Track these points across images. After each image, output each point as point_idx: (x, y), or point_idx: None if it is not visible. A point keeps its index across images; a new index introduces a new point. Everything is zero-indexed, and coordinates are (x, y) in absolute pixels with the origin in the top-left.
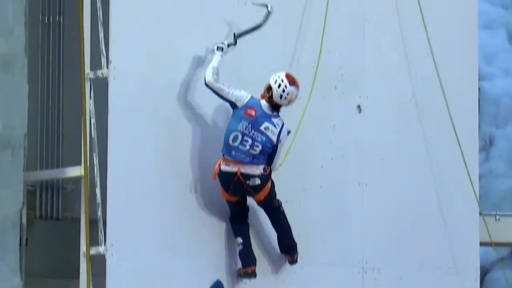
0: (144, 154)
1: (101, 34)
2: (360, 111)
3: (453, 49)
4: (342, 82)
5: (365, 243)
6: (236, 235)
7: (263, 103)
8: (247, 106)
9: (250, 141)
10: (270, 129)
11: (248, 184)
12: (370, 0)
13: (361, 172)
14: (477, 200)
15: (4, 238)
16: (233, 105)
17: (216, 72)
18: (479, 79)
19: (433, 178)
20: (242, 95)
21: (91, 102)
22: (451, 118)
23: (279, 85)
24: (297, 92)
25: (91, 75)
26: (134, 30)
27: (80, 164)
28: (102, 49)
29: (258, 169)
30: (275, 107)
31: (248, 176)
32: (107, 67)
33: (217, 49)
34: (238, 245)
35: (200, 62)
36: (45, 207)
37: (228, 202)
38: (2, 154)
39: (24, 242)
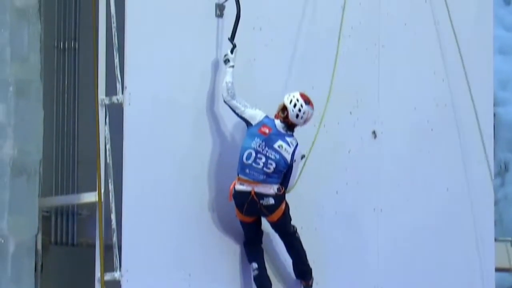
0: (159, 179)
1: (116, 60)
2: (375, 136)
3: (468, 74)
4: (357, 108)
5: (381, 269)
6: (250, 260)
7: (278, 122)
8: (261, 124)
9: (263, 158)
10: (284, 147)
11: (262, 204)
12: (385, 26)
13: (376, 198)
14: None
15: (19, 264)
16: (248, 123)
17: (230, 87)
18: (494, 105)
19: (448, 204)
20: (256, 114)
21: (106, 128)
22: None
23: (295, 105)
24: (312, 111)
25: (106, 101)
26: (149, 56)
27: (95, 189)
28: (117, 75)
29: (272, 189)
30: (290, 127)
31: (262, 196)
32: (122, 93)
33: (225, 63)
34: (253, 270)
35: (215, 86)
36: (60, 232)
37: (243, 224)
38: (17, 180)
39: (39, 267)
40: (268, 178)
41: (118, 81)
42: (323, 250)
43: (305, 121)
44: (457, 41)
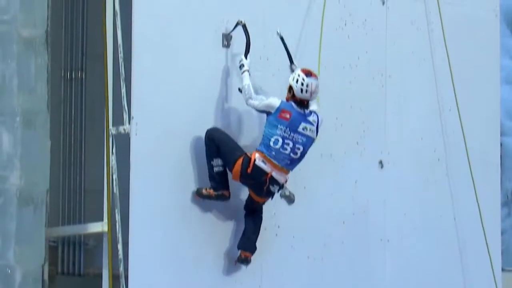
0: (166, 209)
1: (123, 90)
2: (382, 166)
3: (475, 104)
4: (364, 138)
5: None
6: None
7: (293, 104)
8: (279, 110)
9: (291, 144)
10: (308, 129)
11: (269, 189)
12: (392, 56)
13: (383, 228)
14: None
15: None
16: (267, 113)
17: (247, 89)
18: (500, 134)
19: (456, 234)
20: (272, 101)
21: (113, 157)
22: (472, 174)
23: (297, 80)
24: (317, 82)
25: (113, 131)
26: (155, 86)
27: (102, 219)
28: (124, 105)
29: (284, 178)
30: (301, 104)
31: (273, 182)
32: (129, 123)
33: (240, 69)
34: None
35: (222, 116)
36: (67, 263)
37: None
38: (24, 210)
39: None
40: (290, 165)
41: (125, 111)
42: (329, 280)
43: (311, 94)
44: (464, 71)
